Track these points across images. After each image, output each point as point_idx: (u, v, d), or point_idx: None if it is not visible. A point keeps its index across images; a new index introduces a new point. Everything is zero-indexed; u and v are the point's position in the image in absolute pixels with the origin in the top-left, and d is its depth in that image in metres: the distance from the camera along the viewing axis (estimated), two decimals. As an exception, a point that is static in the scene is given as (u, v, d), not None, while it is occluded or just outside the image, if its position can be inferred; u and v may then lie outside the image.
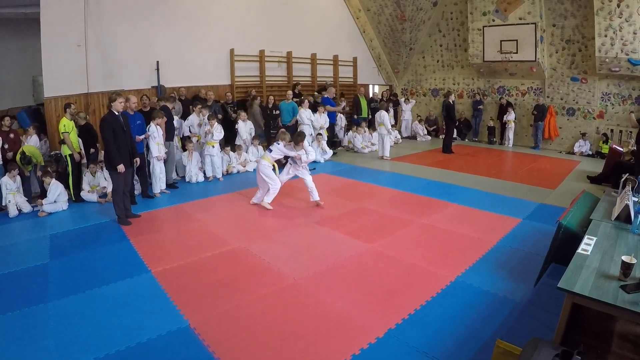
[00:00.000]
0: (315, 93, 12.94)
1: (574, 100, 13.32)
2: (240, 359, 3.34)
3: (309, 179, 7.33)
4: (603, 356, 2.83)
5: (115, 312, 4.04)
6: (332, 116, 12.24)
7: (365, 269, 5.00)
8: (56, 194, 7.13)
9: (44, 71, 8.54)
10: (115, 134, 6.22)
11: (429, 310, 4.05)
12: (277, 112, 10.95)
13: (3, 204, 7.03)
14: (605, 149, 11.90)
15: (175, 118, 8.96)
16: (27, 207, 7.12)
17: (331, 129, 12.50)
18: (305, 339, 3.60)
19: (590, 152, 12.89)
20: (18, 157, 7.26)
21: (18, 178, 7.15)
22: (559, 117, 13.74)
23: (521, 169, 10.73)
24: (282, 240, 6.00)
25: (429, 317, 3.92)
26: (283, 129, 8.38)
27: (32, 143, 7.73)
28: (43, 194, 7.31)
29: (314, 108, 11.56)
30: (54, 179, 7.18)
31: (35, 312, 4.05)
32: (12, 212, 6.90)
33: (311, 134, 10.94)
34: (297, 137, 7.25)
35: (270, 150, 7.31)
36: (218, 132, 9.13)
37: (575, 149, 13.08)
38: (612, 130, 12.65)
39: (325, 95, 12.30)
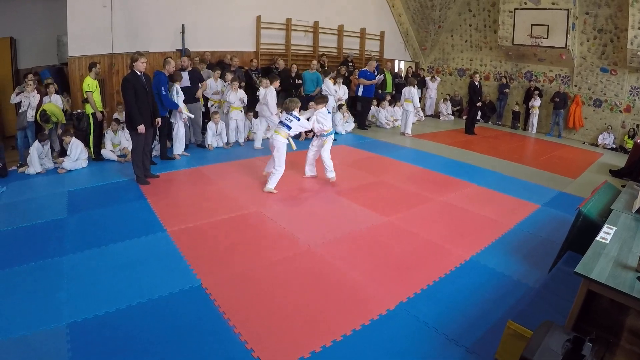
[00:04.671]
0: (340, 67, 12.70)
1: (601, 92, 12.98)
2: (249, 321, 3.38)
3: (326, 155, 6.89)
4: (612, 349, 2.82)
5: (128, 269, 4.10)
6: (369, 91, 11.85)
7: (381, 241, 5.00)
8: (77, 153, 7.21)
9: (69, 31, 8.54)
10: (137, 94, 6.22)
11: (442, 286, 4.05)
12: (300, 81, 10.83)
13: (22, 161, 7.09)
14: (629, 144, 11.66)
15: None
16: (47, 164, 7.17)
17: (367, 105, 12.22)
18: (316, 306, 3.63)
19: (614, 146, 12.61)
20: (38, 115, 7.31)
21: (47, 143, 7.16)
22: (585, 108, 13.41)
23: (543, 156, 10.55)
24: (299, 207, 6.02)
25: (441, 293, 3.93)
26: (292, 98, 7.11)
27: (54, 101, 7.73)
28: (63, 152, 7.39)
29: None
30: (74, 138, 7.24)
31: (51, 265, 4.12)
32: (33, 168, 6.98)
33: (334, 106, 10.81)
34: (319, 98, 6.90)
35: (289, 127, 6.41)
36: (242, 96, 9.13)
37: (599, 141, 12.82)
38: (638, 126, 12.34)
39: (365, 69, 11.96)
